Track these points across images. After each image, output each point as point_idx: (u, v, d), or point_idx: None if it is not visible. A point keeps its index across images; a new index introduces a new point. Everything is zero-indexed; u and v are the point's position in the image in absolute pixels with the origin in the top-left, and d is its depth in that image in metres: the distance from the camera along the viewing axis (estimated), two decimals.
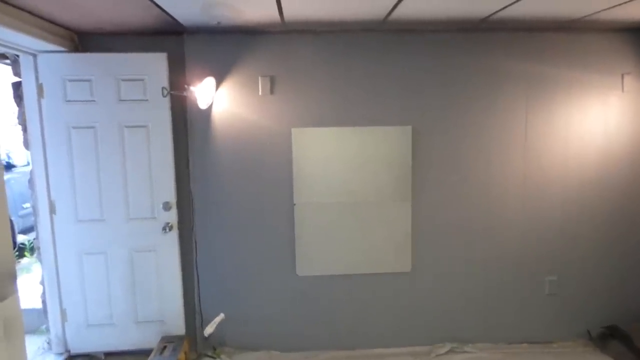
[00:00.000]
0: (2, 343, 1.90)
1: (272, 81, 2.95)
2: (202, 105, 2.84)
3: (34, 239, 3.03)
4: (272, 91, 2.96)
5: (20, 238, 5.40)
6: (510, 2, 2.36)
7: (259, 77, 2.93)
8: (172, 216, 2.96)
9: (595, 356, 3.03)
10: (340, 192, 3.05)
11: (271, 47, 2.92)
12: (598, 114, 3.07)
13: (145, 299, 3.00)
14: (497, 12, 2.54)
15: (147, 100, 2.85)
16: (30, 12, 2.36)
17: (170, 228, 2.95)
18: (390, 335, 3.18)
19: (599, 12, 2.55)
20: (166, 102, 2.85)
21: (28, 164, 2.96)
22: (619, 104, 3.07)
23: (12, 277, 2.04)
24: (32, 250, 4.81)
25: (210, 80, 2.82)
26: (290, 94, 2.97)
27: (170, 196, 2.94)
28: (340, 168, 3.03)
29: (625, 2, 2.36)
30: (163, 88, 2.82)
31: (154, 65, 2.82)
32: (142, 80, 2.83)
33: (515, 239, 3.15)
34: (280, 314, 3.13)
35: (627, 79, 3.02)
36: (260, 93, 2.95)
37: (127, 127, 2.86)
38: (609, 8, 2.49)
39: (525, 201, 3.11)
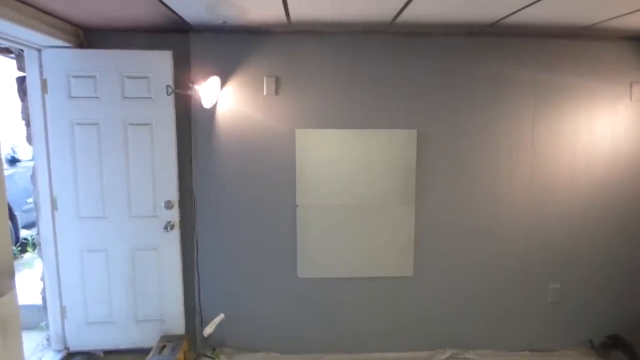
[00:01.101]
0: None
1: (277, 81, 2.93)
2: (207, 104, 2.82)
3: (36, 234, 3.02)
4: (277, 91, 2.94)
5: (24, 233, 5.40)
6: (519, 8, 2.33)
7: (264, 77, 2.91)
8: (174, 215, 2.94)
9: None
10: (343, 195, 3.03)
11: (277, 47, 2.90)
12: (606, 122, 3.04)
13: (145, 297, 2.99)
14: (507, 16, 2.51)
15: (151, 98, 2.83)
16: (36, 8, 2.35)
17: (172, 227, 2.94)
18: (391, 339, 3.16)
19: (610, 19, 2.52)
20: (170, 100, 2.84)
21: (33, 158, 2.95)
22: (627, 113, 3.03)
23: (10, 274, 2.02)
24: (34, 245, 4.80)
25: (215, 80, 2.80)
26: (295, 95, 2.95)
27: (173, 195, 2.93)
28: (344, 170, 3.01)
29: (637, 11, 2.33)
30: (168, 86, 2.80)
31: (159, 63, 2.80)
32: (147, 77, 2.81)
33: (519, 245, 3.12)
34: (280, 316, 3.11)
35: (635, 87, 2.98)
36: (265, 93, 2.93)
37: (130, 124, 2.85)
38: (620, 16, 2.45)
39: (530, 207, 3.09)
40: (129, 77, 2.81)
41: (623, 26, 2.66)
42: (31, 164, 2.96)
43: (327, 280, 3.09)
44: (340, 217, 3.04)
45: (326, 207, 3.03)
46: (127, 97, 2.82)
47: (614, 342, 3.11)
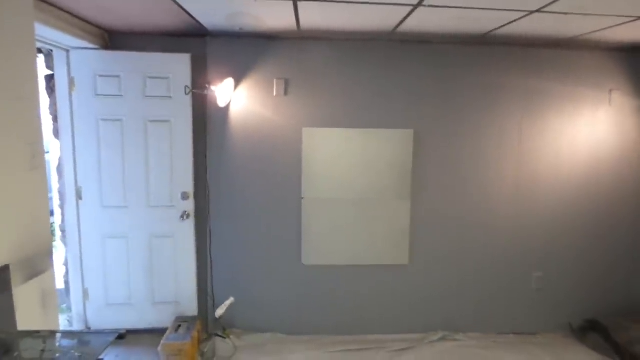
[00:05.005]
0: (40, 313, 2.12)
1: (287, 83, 3.17)
2: (221, 103, 3.06)
3: (53, 222, 3.23)
4: (286, 93, 3.18)
5: None
6: (506, 22, 2.59)
7: (275, 79, 3.15)
8: (190, 205, 3.18)
9: (574, 347, 3.29)
10: (345, 189, 3.28)
11: (287, 51, 3.14)
12: (587, 126, 3.32)
13: (162, 281, 3.23)
14: (496, 29, 2.77)
15: (170, 97, 3.07)
16: (68, 12, 2.57)
17: (188, 216, 3.18)
18: (387, 322, 3.43)
19: (594, 32, 2.78)
20: (188, 100, 3.07)
21: (48, 152, 3.14)
22: (606, 117, 3.32)
23: (49, 254, 2.26)
24: (51, 233, 4.99)
25: (229, 81, 3.04)
26: (303, 96, 3.19)
27: (189, 186, 3.17)
28: (346, 166, 3.26)
29: (615, 25, 2.60)
30: (186, 86, 3.04)
31: (178, 65, 3.03)
32: (167, 78, 3.05)
33: (506, 237, 3.40)
34: (286, 300, 3.37)
35: (614, 94, 3.27)
36: (275, 94, 3.17)
37: (151, 121, 3.08)
38: (603, 29, 2.72)
39: (516, 203, 3.36)
40: (150, 78, 3.04)
41: (605, 38, 2.93)
42: (47, 157, 3.16)
43: (329, 268, 3.35)
44: (342, 210, 3.30)
45: (329, 201, 3.29)
46: (149, 96, 3.06)
47: (591, 326, 3.40)
